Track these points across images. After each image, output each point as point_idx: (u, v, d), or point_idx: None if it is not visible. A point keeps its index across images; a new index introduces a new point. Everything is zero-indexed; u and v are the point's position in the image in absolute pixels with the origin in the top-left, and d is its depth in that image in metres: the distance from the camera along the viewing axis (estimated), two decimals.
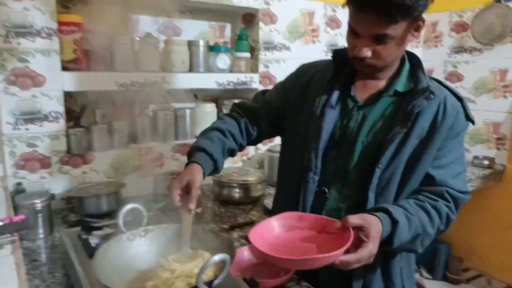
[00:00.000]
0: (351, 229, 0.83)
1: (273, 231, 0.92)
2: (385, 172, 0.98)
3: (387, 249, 0.92)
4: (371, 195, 0.99)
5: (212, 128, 1.12)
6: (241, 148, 1.17)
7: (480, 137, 2.56)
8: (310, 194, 1.06)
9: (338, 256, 0.80)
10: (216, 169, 1.06)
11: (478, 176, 2.31)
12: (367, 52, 0.93)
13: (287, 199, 1.13)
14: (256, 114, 1.18)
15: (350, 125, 1.03)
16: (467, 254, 2.70)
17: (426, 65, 1.05)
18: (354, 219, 0.85)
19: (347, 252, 0.82)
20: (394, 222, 0.89)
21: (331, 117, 1.04)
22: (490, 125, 2.50)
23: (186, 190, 0.94)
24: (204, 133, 1.11)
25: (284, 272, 1.07)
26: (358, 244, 0.84)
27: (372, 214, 0.89)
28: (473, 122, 1.03)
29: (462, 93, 1.08)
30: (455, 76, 2.63)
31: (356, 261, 0.82)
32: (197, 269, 0.79)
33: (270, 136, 1.26)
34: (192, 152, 1.04)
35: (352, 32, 0.94)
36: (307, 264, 0.81)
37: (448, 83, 1.05)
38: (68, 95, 1.58)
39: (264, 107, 1.18)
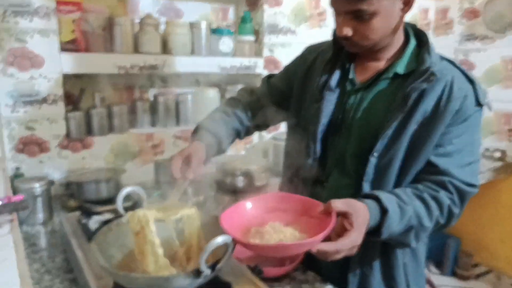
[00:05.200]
0: (334, 215, 0.76)
1: (249, 212, 0.87)
2: (382, 160, 0.92)
3: (375, 240, 0.85)
4: (366, 186, 0.93)
5: (215, 110, 1.12)
6: (248, 130, 1.15)
7: (491, 128, 2.50)
8: (308, 181, 1.03)
9: (314, 244, 0.73)
10: (220, 149, 1.04)
11: (489, 169, 2.26)
12: (347, 30, 0.88)
13: (287, 187, 1.10)
14: (262, 97, 1.15)
15: (347, 109, 0.99)
16: (476, 249, 2.66)
17: None
18: (339, 204, 0.77)
19: (328, 239, 0.75)
20: (384, 211, 0.82)
21: (330, 100, 1.00)
22: (501, 115, 2.44)
23: (187, 163, 0.92)
24: (208, 116, 1.11)
25: (290, 261, 1.04)
26: (341, 232, 0.77)
27: (360, 201, 0.82)
28: (489, 108, 0.95)
29: None
30: (466, 65, 2.57)
31: (335, 251, 0.74)
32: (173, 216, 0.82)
33: (278, 120, 1.22)
34: (195, 132, 1.03)
35: (334, 10, 0.91)
36: (278, 251, 0.76)
37: (460, 65, 0.97)
38: (66, 78, 1.55)
39: (270, 91, 1.15)
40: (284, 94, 1.13)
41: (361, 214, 0.79)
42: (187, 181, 0.91)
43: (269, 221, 0.83)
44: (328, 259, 0.76)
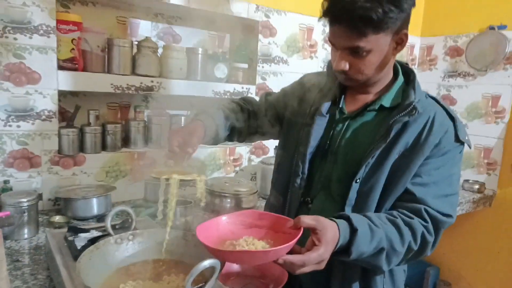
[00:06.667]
0: (301, 229, 0.80)
1: (227, 227, 0.90)
2: (364, 187, 0.96)
3: (345, 259, 0.87)
4: (348, 210, 0.97)
5: (217, 104, 1.16)
6: (242, 132, 1.18)
7: (471, 161, 2.58)
8: (295, 200, 1.06)
9: (278, 253, 0.76)
10: (217, 137, 1.07)
11: (468, 200, 2.31)
12: (344, 65, 0.94)
13: (274, 206, 1.14)
14: (258, 109, 1.21)
15: (334, 135, 1.04)
16: (455, 278, 2.69)
17: None
18: (307, 219, 0.81)
19: (298, 253, 0.79)
20: (354, 230, 0.84)
21: (320, 124, 1.05)
22: (481, 149, 2.52)
23: (188, 139, 0.94)
24: (210, 106, 1.15)
25: (274, 285, 1.05)
26: (311, 247, 0.80)
27: (331, 220, 0.85)
28: (469, 145, 1.00)
29: None
30: (448, 100, 2.67)
31: (301, 262, 0.77)
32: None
33: (269, 135, 1.25)
34: (195, 115, 1.06)
35: (332, 45, 0.96)
36: (243, 258, 0.79)
37: (444, 103, 1.04)
38: (62, 95, 1.56)
39: (266, 108, 1.21)
40: (278, 114, 1.19)
41: (330, 231, 0.81)
42: (188, 155, 0.94)
43: (245, 236, 0.87)
44: (295, 271, 0.79)
